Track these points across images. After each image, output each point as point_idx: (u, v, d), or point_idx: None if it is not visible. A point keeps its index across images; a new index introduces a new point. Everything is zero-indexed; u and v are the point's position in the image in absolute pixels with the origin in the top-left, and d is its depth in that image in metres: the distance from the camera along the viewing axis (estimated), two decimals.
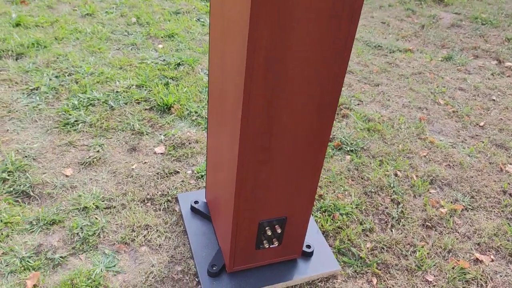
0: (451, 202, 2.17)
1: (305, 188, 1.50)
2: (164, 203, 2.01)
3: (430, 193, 2.22)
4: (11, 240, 1.78)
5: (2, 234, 1.80)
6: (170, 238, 1.86)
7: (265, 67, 1.15)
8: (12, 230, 1.82)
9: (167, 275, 1.71)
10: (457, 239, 1.97)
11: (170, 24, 3.62)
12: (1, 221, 1.84)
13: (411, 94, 3.02)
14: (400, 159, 2.41)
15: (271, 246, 1.63)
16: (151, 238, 1.85)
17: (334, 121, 2.66)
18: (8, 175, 2.06)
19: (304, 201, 1.53)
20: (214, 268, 1.68)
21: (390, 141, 2.55)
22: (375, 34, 3.88)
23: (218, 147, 1.57)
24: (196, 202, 1.94)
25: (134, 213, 1.95)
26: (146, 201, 2.02)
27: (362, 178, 2.26)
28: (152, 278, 1.70)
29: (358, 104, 2.87)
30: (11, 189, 2.00)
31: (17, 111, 2.49)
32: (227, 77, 1.34)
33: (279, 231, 1.57)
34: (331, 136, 2.52)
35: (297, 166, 1.42)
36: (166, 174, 2.16)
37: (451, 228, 2.02)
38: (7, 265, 1.68)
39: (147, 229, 1.89)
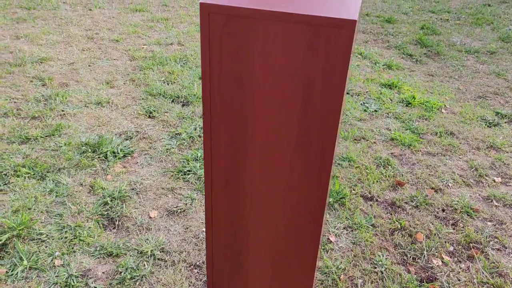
0: None
1: None
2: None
3: None
4: (74, 256, 2.08)
5: (72, 248, 2.12)
6: None
7: (225, 178, 1.09)
8: (81, 248, 2.13)
9: None
10: None
11: None
12: (79, 237, 2.18)
13: None
14: None
15: None
16: None
17: (450, 260, 2.20)
18: (111, 201, 2.43)
19: None
20: None
21: None
22: None
23: None
24: None
25: (176, 274, 2.02)
26: (194, 267, 2.07)
27: None
28: None
29: (498, 250, 2.30)
30: (105, 212, 2.35)
31: (154, 148, 2.92)
32: None
33: None
34: (431, 275, 2.09)
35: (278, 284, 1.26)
36: None
37: None
38: (56, 276, 1.98)
39: None
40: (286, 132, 0.97)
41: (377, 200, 2.57)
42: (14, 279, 1.94)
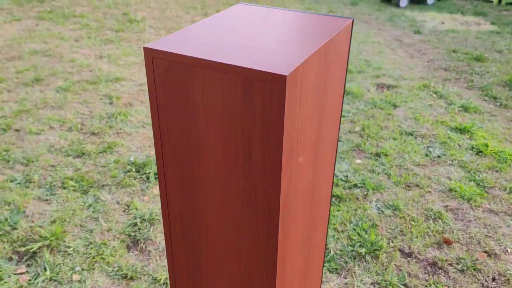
0: None
1: None
2: None
3: None
4: (92, 273, 2.17)
5: (92, 265, 2.21)
6: None
7: (181, 221, 1.06)
8: (100, 266, 2.21)
9: None
10: None
11: (391, 143, 3.46)
12: (102, 255, 2.27)
13: None
14: None
15: None
16: None
17: None
18: (140, 222, 2.51)
19: None
20: None
21: None
22: None
23: None
24: None
25: None
26: None
27: None
28: None
29: None
30: (132, 233, 2.42)
31: None
32: None
33: None
34: None
35: None
36: None
37: None
38: None
39: None
40: (233, 185, 0.93)
41: (416, 257, 2.35)
42: None
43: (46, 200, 2.64)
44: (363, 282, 2.18)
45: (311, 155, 1.04)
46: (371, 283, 2.18)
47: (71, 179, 2.82)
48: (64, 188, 2.75)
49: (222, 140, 0.88)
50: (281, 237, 0.97)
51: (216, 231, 1.02)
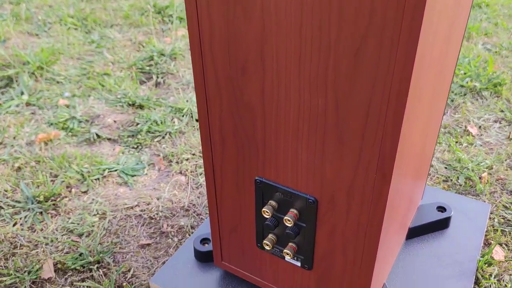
0: None
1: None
2: None
3: None
4: (85, 99, 1.56)
5: (88, 93, 1.61)
6: None
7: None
8: (98, 93, 1.60)
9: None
10: None
11: None
12: (102, 83, 1.66)
13: None
14: None
15: (285, 257, 0.76)
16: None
17: None
18: (158, 57, 1.87)
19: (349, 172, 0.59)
20: (205, 245, 0.95)
21: None
22: None
23: None
24: None
25: None
26: None
27: None
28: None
29: None
30: (147, 67, 1.80)
31: None
32: None
33: (289, 223, 0.69)
34: None
35: None
36: None
37: None
38: (54, 116, 1.47)
39: None
40: None
41: None
42: (2, 111, 1.49)
43: (37, 35, 2.05)
44: (482, 119, 1.48)
45: None
46: (494, 121, 1.48)
47: (72, 17, 2.21)
48: (61, 25, 2.14)
49: None
50: None
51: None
